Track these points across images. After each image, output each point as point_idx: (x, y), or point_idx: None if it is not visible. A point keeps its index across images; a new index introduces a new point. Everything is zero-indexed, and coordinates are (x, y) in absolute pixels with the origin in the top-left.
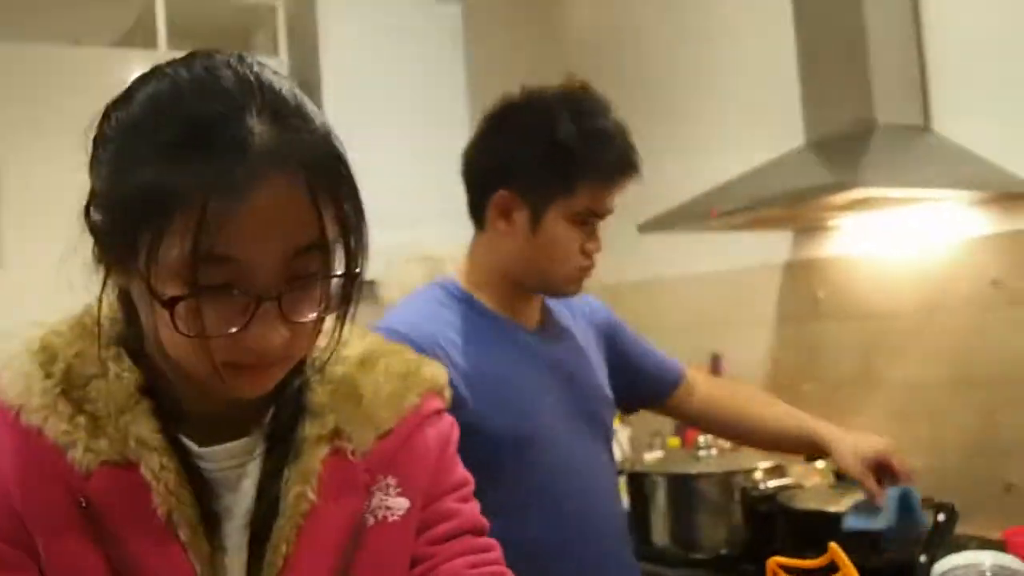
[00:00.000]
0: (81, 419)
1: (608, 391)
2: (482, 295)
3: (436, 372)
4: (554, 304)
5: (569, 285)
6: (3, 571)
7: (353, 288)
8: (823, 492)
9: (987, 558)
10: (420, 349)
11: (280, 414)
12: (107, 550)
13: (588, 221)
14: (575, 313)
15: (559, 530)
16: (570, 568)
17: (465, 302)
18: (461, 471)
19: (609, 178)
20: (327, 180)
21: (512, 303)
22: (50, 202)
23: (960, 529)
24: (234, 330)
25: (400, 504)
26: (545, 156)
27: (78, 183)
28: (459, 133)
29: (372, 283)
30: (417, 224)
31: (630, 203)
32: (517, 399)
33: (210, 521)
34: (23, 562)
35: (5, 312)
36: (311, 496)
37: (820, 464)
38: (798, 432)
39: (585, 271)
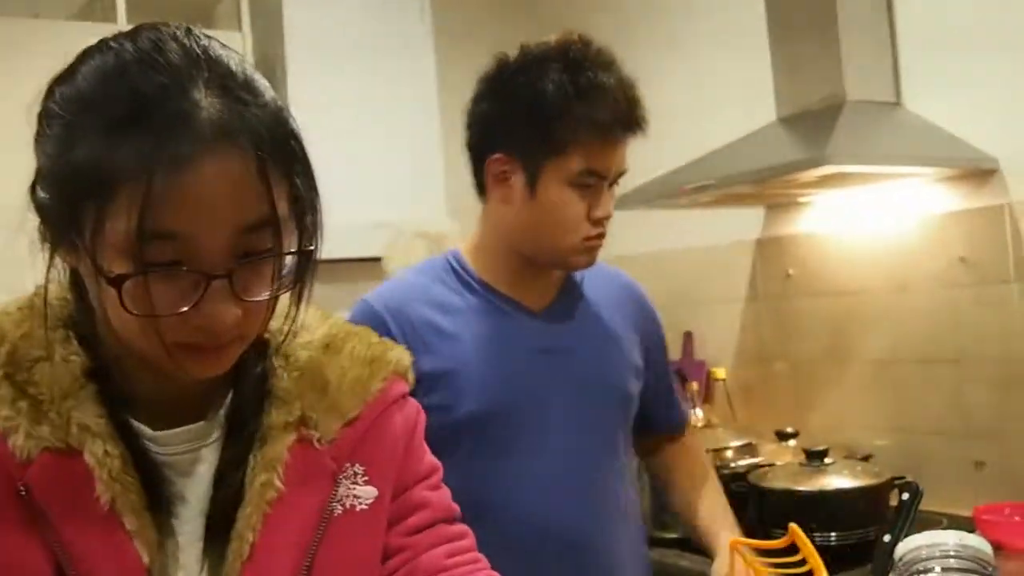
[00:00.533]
0: (23, 404)
1: (625, 386)
2: (485, 269)
3: (400, 355)
4: (597, 291)
5: (577, 256)
6: None
7: (307, 266)
8: (794, 471)
9: (951, 538)
10: (378, 319)
11: (241, 399)
12: (48, 540)
13: (590, 184)
14: (621, 304)
15: (514, 524)
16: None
17: (460, 276)
18: (429, 458)
19: (602, 135)
20: (277, 155)
21: (516, 278)
22: (6, 177)
23: (931, 506)
24: (184, 309)
25: (368, 493)
26: (533, 113)
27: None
28: (428, 107)
29: (377, 260)
30: (383, 200)
31: None
32: (480, 377)
33: (161, 508)
34: None
35: None
36: (278, 484)
37: (791, 443)
38: (704, 535)
39: (593, 240)
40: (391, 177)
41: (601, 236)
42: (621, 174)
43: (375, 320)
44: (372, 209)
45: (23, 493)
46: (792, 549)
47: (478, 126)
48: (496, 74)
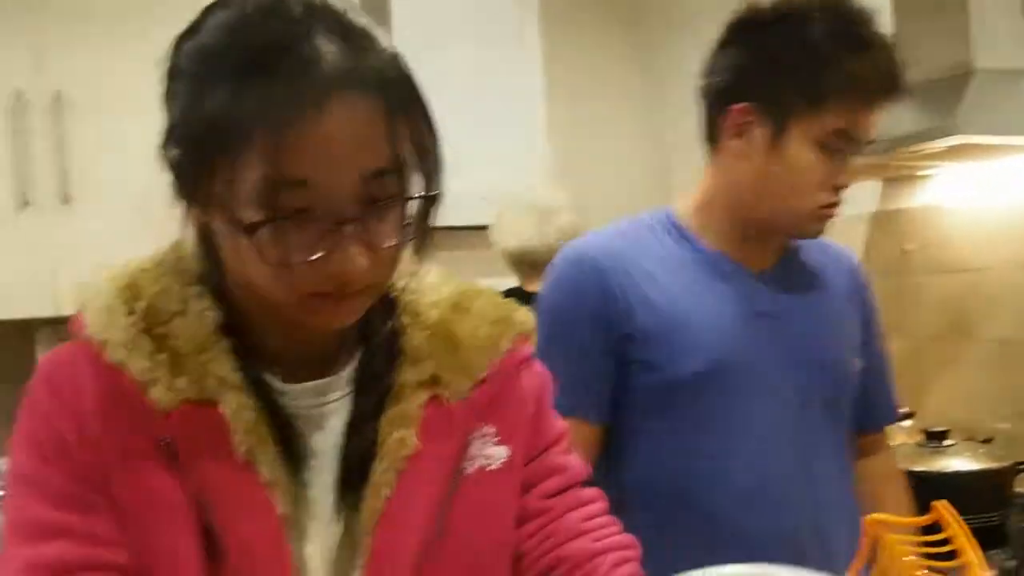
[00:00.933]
0: (162, 356)
1: (844, 359)
2: (703, 228)
3: (526, 316)
4: (815, 260)
5: (808, 223)
6: (73, 511)
7: (431, 211)
8: (911, 451)
9: None
10: (596, 266)
11: (371, 356)
12: (188, 488)
13: (839, 149)
14: (840, 276)
15: (716, 489)
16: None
17: (674, 233)
18: (559, 423)
19: (864, 93)
20: (399, 100)
21: (737, 238)
22: (123, 140)
23: None
24: (317, 256)
25: (499, 453)
26: (792, 62)
27: (150, 121)
28: (532, 78)
29: (482, 228)
30: (487, 169)
31: None
32: (695, 335)
33: (295, 459)
34: (94, 502)
35: (73, 249)
36: (413, 441)
37: (907, 424)
38: None
39: (830, 209)
40: (495, 147)
41: (837, 205)
42: (870, 143)
43: (592, 267)
44: (476, 178)
45: (165, 443)
46: (933, 528)
47: (723, 72)
48: (750, 20)
